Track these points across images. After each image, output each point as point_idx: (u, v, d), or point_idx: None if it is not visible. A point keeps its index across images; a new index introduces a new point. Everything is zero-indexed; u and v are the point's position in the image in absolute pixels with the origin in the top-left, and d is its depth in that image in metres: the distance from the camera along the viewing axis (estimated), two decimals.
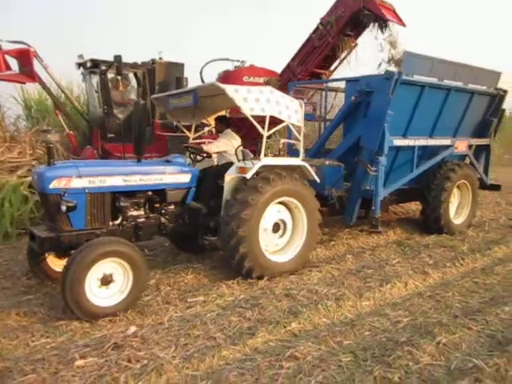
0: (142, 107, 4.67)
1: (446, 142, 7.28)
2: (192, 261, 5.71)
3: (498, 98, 7.90)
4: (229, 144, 5.69)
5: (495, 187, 8.53)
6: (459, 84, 7.13)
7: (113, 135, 8.01)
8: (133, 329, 3.87)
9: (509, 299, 4.47)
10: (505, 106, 8.36)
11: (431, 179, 7.02)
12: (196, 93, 5.33)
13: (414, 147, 6.86)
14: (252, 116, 5.04)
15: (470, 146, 7.78)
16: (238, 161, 5.23)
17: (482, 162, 8.25)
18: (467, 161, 7.94)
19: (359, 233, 7.08)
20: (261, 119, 5.14)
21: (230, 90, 4.91)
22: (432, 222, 7.06)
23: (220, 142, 5.76)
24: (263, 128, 5.12)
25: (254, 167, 4.94)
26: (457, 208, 7.53)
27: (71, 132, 8.34)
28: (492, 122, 7.98)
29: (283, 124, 5.46)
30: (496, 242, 6.66)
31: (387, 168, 6.57)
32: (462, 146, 7.51)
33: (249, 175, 4.91)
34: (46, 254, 4.70)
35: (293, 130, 5.67)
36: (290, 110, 5.39)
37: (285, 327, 3.86)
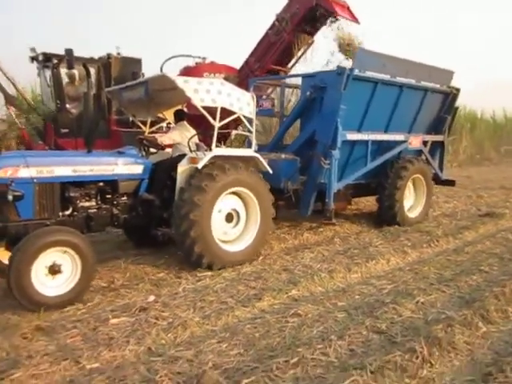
0: (92, 98, 4.72)
1: (400, 137, 7.55)
2: None
3: (451, 96, 8.22)
4: (182, 136, 5.74)
5: (449, 182, 8.78)
6: (412, 81, 7.36)
7: (66, 130, 7.90)
8: (152, 297, 4.38)
9: (476, 271, 5.15)
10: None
11: (386, 173, 7.25)
12: (147, 85, 5.34)
13: (367, 142, 7.10)
14: (203, 108, 5.08)
15: (424, 142, 8.11)
16: (191, 152, 5.37)
17: (437, 158, 8.57)
18: (423, 157, 8.15)
19: (344, 220, 7.75)
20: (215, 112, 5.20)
21: (179, 81, 4.94)
22: (387, 215, 7.32)
23: (173, 134, 5.83)
24: (215, 119, 5.19)
25: (205, 157, 5.05)
26: (412, 202, 7.82)
27: (23, 127, 8.31)
28: (446, 119, 8.32)
29: (235, 115, 5.48)
30: (466, 227, 7.38)
31: (343, 162, 6.86)
32: (415, 141, 7.79)
33: (200, 165, 4.98)
34: None
35: (245, 121, 5.72)
36: (241, 102, 5.44)
37: (286, 293, 4.45)
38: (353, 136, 6.86)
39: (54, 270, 4.09)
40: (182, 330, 3.66)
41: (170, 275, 5.06)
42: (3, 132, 9.95)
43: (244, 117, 5.61)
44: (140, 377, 2.97)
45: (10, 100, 8.27)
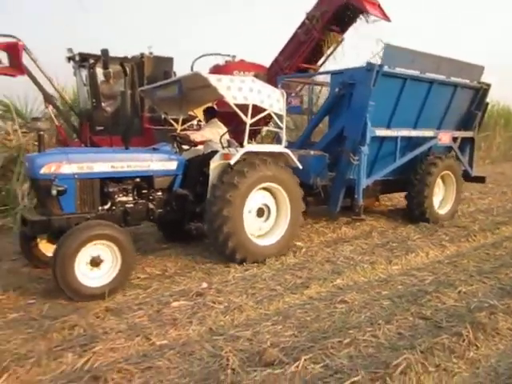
0: (129, 97, 4.91)
1: (429, 133, 7.53)
2: None
3: (481, 91, 8.14)
4: (214, 132, 5.89)
5: (479, 179, 8.73)
6: (442, 77, 7.35)
7: (101, 128, 8.04)
8: (205, 284, 4.70)
9: None
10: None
11: (415, 171, 7.26)
12: (180, 83, 5.48)
13: (396, 138, 7.12)
14: (235, 105, 5.23)
15: (454, 139, 8.04)
16: (223, 148, 5.50)
17: (467, 155, 8.51)
18: (453, 153, 8.07)
19: (380, 215, 7.93)
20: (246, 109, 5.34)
21: (213, 79, 5.07)
22: (416, 212, 7.33)
23: (205, 131, 5.99)
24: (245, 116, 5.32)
25: (237, 154, 5.20)
26: (441, 199, 7.79)
27: (60, 125, 8.60)
28: (476, 115, 8.25)
29: (265, 112, 5.59)
30: (503, 223, 7.43)
31: (372, 158, 6.91)
32: (445, 137, 7.74)
33: (233, 161, 5.12)
34: (38, 240, 4.95)
35: (275, 118, 5.81)
36: (271, 98, 5.56)
37: (331, 282, 4.71)
38: (382, 132, 6.89)
39: (96, 261, 4.30)
40: (238, 313, 3.96)
41: (218, 264, 5.35)
42: (45, 130, 10.39)
43: (274, 113, 5.74)
44: (207, 352, 3.28)
45: (48, 99, 8.53)
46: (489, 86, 8.26)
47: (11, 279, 4.92)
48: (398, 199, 9.48)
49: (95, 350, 3.29)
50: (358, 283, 4.75)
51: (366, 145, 6.52)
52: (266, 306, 4.13)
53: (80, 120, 8.85)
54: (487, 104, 8.71)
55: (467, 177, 8.42)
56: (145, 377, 2.99)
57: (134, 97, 8.32)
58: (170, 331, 3.62)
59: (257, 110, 5.49)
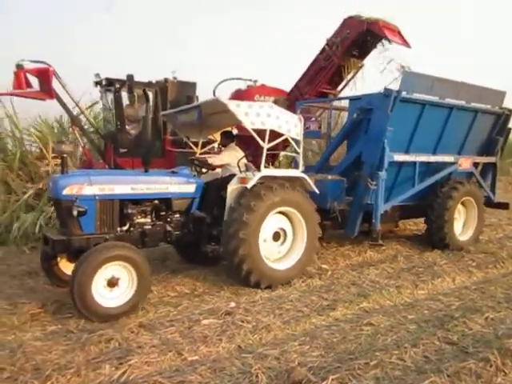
0: (150, 121, 5.12)
1: (449, 159, 7.48)
2: None
3: (503, 116, 8.13)
4: (232, 156, 5.99)
5: (503, 205, 8.59)
6: (461, 102, 7.34)
7: (125, 150, 8.35)
8: (233, 304, 4.83)
9: None
10: None
11: (435, 196, 7.22)
12: (200, 109, 5.66)
13: (415, 163, 7.11)
14: (253, 130, 5.35)
15: (475, 164, 8.00)
16: (241, 172, 5.60)
17: (489, 180, 8.43)
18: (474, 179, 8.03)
19: (406, 240, 7.93)
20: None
21: (231, 105, 5.19)
22: (439, 245, 7.27)
23: (223, 155, 6.14)
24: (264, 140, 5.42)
25: (254, 178, 5.26)
26: (463, 224, 7.72)
27: (86, 147, 8.99)
28: (498, 140, 8.20)
29: (283, 137, 5.68)
30: None
31: (390, 183, 6.88)
32: (466, 163, 7.69)
33: (249, 185, 5.19)
34: (58, 258, 5.09)
35: (292, 143, 5.89)
36: (289, 124, 5.64)
37: (357, 305, 4.77)
38: (400, 157, 6.88)
39: (113, 282, 4.40)
40: (266, 333, 4.07)
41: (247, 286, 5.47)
42: (70, 153, 10.75)
43: (292, 138, 5.81)
44: (237, 369, 3.40)
45: (75, 121, 8.89)
46: (511, 111, 8.24)
47: (48, 294, 5.17)
48: (423, 224, 9.45)
49: (131, 363, 3.45)
50: (383, 307, 4.80)
51: (383, 170, 6.51)
52: (293, 327, 4.23)
53: (105, 142, 9.16)
54: (510, 129, 8.66)
55: (490, 203, 8.33)
56: None
57: (156, 120, 8.58)
58: (200, 347, 3.75)
59: (274, 134, 5.60)
